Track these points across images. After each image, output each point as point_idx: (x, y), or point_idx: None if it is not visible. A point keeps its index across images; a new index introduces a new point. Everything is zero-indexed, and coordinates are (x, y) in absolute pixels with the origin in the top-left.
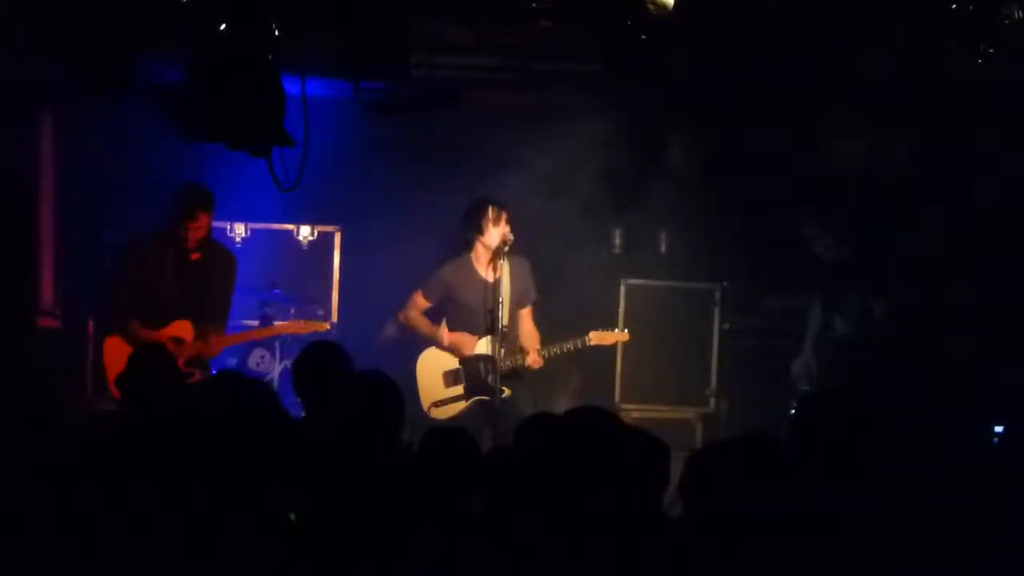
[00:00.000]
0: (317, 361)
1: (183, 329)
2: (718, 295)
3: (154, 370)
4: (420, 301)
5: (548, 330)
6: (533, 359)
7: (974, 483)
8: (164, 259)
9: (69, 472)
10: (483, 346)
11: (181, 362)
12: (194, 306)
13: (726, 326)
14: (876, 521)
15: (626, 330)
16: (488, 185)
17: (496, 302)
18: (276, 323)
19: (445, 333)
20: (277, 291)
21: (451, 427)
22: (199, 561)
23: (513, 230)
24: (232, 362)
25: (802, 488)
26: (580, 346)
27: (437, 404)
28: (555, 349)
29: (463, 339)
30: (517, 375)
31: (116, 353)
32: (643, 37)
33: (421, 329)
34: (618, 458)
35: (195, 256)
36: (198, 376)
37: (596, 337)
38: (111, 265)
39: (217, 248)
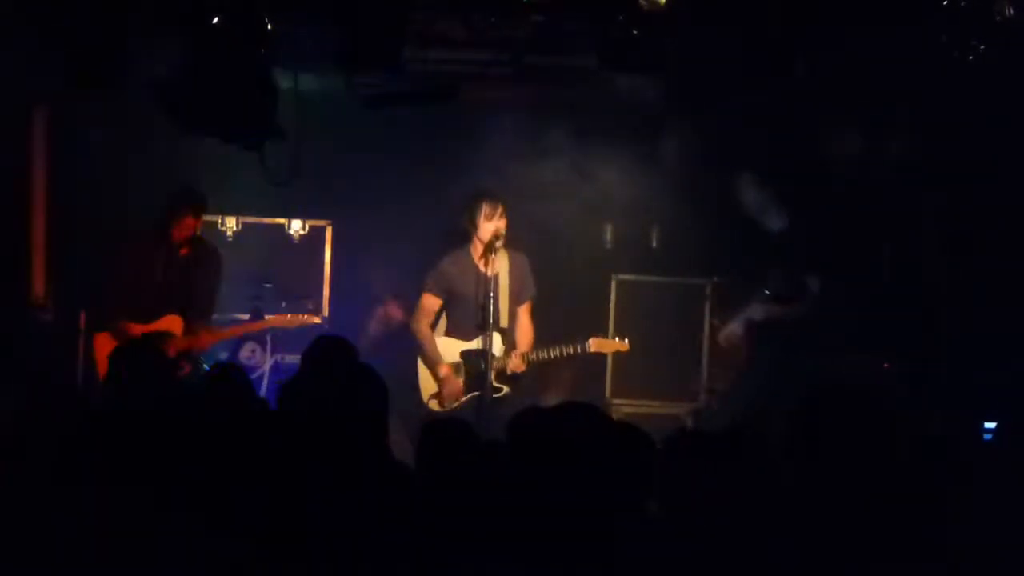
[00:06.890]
0: (325, 354)
1: (172, 323)
2: (708, 290)
3: (140, 364)
4: (429, 303)
5: (539, 326)
6: (514, 364)
7: (972, 480)
8: (153, 255)
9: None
10: (479, 341)
11: (171, 355)
12: (182, 301)
13: (716, 321)
14: (862, 515)
15: (626, 340)
16: (480, 180)
17: (489, 297)
18: (267, 317)
19: (443, 367)
20: (268, 285)
21: (450, 419)
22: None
23: (508, 224)
24: (223, 356)
25: (783, 482)
26: (579, 351)
27: (435, 396)
28: (555, 351)
29: (454, 385)
30: (515, 375)
31: (107, 349)
32: (635, 32)
33: (426, 348)
34: (603, 452)
35: (183, 252)
36: (188, 370)
37: (596, 344)
38: (101, 262)
39: (203, 244)
